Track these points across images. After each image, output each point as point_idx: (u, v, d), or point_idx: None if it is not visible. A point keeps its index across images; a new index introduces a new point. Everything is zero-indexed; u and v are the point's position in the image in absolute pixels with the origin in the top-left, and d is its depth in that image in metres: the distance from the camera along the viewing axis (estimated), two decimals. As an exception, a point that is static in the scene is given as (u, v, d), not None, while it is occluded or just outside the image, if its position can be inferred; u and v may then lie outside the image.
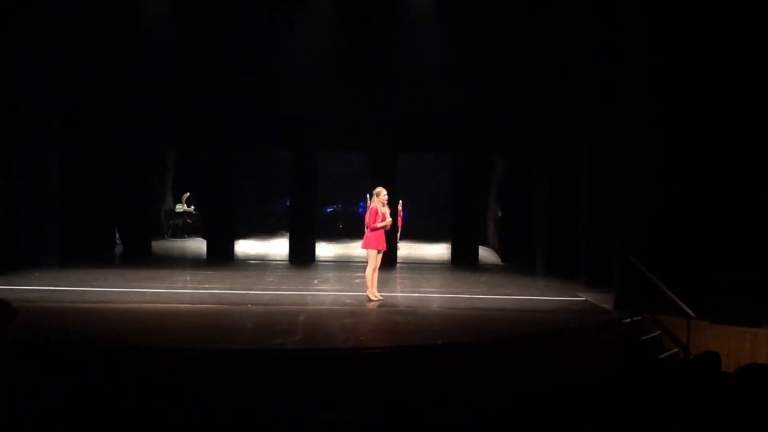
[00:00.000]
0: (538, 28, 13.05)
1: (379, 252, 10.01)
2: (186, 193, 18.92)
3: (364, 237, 10.05)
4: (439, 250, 16.62)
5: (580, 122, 12.29)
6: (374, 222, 9.87)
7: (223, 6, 13.68)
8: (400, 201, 10.05)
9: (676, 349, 8.84)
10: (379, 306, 9.87)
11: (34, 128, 12.70)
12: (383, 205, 9.95)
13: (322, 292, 10.95)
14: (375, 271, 10.05)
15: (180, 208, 18.95)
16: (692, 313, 8.50)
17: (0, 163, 11.97)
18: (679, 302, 8.59)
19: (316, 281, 12.10)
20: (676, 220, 9.56)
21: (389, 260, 14.17)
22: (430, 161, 18.79)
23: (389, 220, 10.01)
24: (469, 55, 13.87)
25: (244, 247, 16.36)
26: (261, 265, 14.33)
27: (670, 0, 9.56)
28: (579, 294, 11.18)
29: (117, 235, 15.78)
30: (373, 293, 10.11)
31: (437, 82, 13.92)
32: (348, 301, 10.23)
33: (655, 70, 9.68)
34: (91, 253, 13.92)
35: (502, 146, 14.91)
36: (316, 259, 14.71)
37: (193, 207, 19.06)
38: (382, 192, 9.99)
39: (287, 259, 14.69)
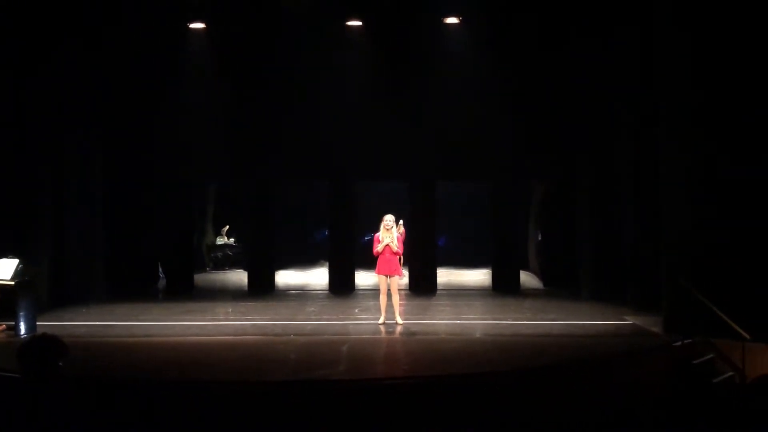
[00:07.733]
0: (578, 55, 12.94)
1: (389, 277, 10.27)
2: (226, 225, 19.11)
3: None
4: (479, 276, 16.45)
5: (624, 142, 12.12)
6: (374, 248, 10.32)
7: (262, 39, 13.85)
8: (401, 222, 10.11)
9: (731, 373, 8.55)
10: (424, 334, 9.84)
11: (80, 166, 13.02)
12: (387, 231, 10.24)
13: (364, 321, 10.90)
14: (384, 294, 10.35)
15: (220, 240, 19.13)
16: (747, 335, 8.24)
17: (48, 201, 12.25)
18: (732, 324, 8.34)
19: (357, 310, 12.05)
20: (726, 239, 9.30)
21: (429, 287, 14.09)
22: (470, 186, 18.69)
23: (386, 241, 10.22)
24: (507, 81, 13.77)
25: (285, 277, 16.43)
26: (302, 295, 14.36)
27: (715, 31, 9.39)
28: (626, 318, 10.93)
29: (160, 270, 15.98)
30: (382, 317, 10.41)
31: (475, 109, 13.82)
32: (390, 330, 10.18)
33: (700, 89, 9.51)
34: (135, 287, 14.11)
35: (541, 171, 14.75)
36: (356, 288, 14.68)
37: (233, 239, 19.22)
38: (384, 218, 10.33)
39: (327, 288, 14.69)
